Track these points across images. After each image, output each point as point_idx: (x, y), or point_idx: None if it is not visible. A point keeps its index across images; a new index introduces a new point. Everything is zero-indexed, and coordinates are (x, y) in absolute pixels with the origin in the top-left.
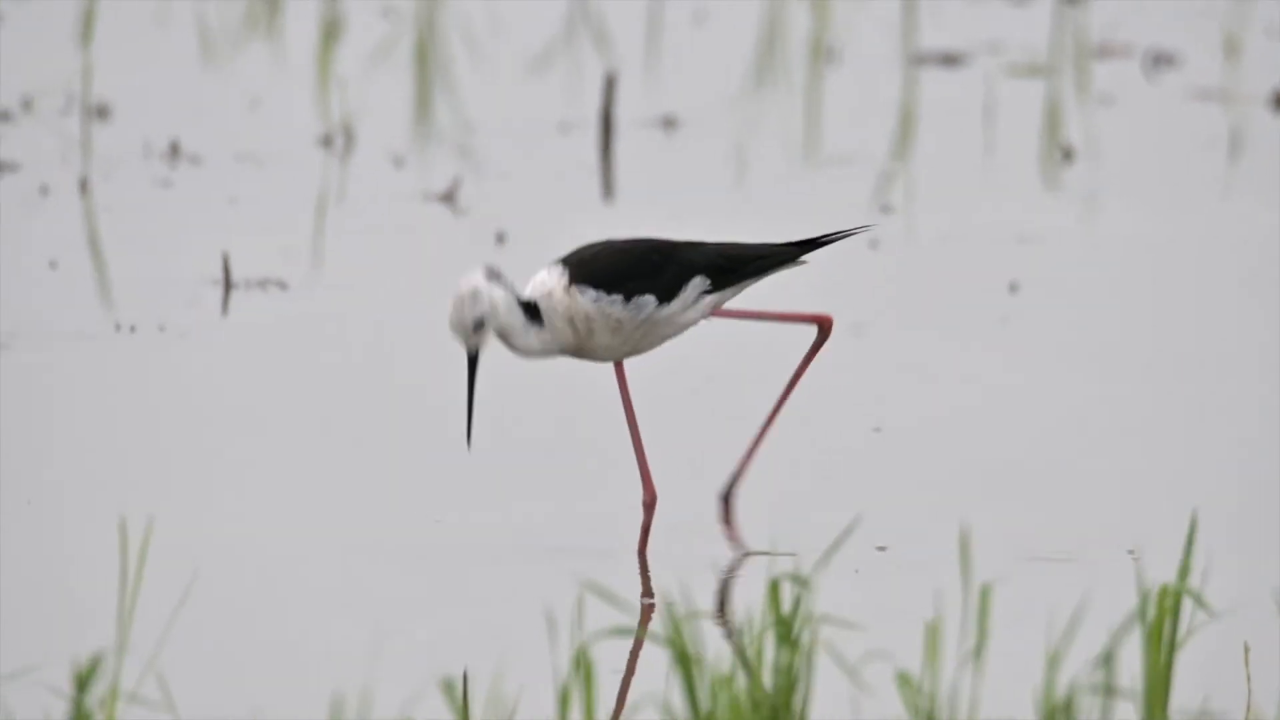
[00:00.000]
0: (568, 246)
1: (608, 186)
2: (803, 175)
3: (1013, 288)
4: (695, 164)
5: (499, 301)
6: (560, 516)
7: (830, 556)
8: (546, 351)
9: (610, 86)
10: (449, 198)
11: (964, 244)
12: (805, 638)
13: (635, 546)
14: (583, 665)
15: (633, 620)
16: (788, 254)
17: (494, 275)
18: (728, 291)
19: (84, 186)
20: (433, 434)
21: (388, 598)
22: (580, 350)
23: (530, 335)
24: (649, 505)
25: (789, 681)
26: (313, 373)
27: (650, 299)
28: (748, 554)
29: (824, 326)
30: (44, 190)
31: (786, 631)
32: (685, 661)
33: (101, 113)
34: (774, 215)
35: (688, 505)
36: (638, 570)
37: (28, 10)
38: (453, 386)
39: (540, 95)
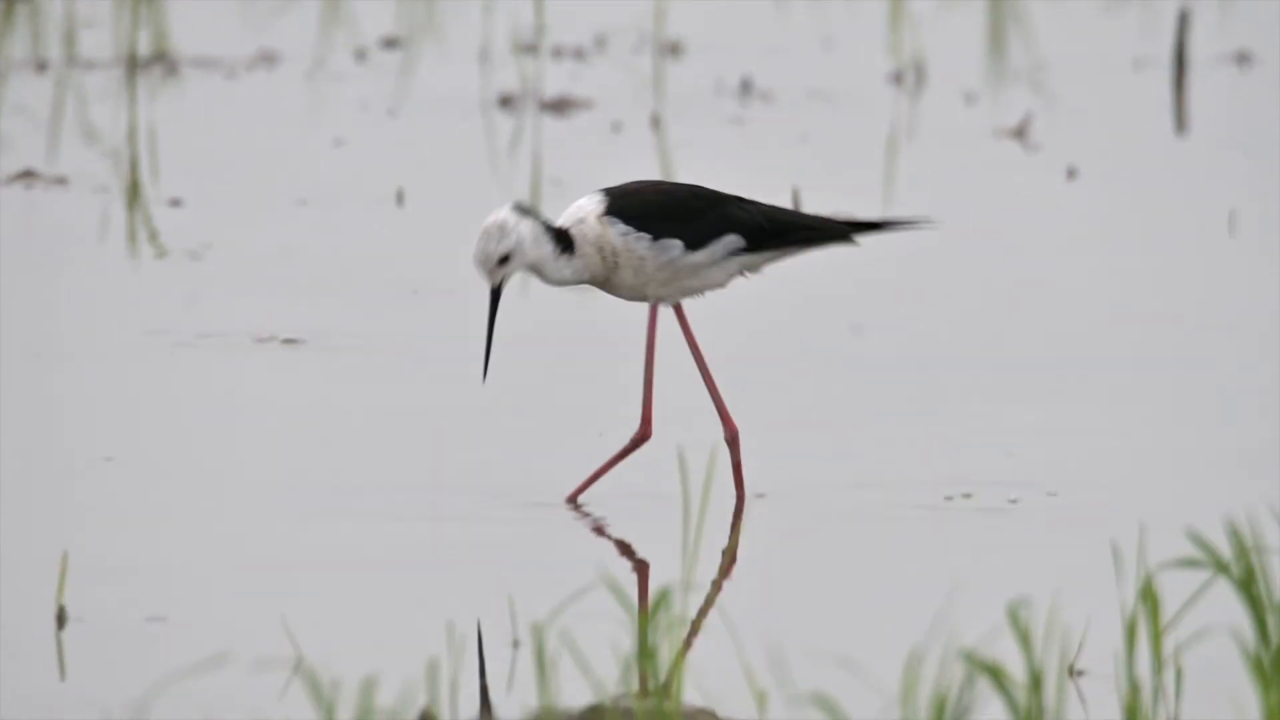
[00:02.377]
0: (1139, 183)
1: (1180, 123)
2: None
3: None
4: (1272, 100)
5: (526, 235)
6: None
7: None
8: (578, 278)
9: (1184, 22)
10: (1020, 134)
11: None
12: None
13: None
14: (1149, 596)
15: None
16: (838, 231)
17: (523, 210)
18: (762, 255)
19: (656, 123)
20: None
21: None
22: (607, 283)
23: (561, 264)
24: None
25: None
26: (899, 307)
27: (677, 243)
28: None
29: (731, 438)
30: (616, 127)
31: None
32: (1251, 589)
33: (674, 50)
34: None
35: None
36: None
37: None
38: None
39: (1114, 31)
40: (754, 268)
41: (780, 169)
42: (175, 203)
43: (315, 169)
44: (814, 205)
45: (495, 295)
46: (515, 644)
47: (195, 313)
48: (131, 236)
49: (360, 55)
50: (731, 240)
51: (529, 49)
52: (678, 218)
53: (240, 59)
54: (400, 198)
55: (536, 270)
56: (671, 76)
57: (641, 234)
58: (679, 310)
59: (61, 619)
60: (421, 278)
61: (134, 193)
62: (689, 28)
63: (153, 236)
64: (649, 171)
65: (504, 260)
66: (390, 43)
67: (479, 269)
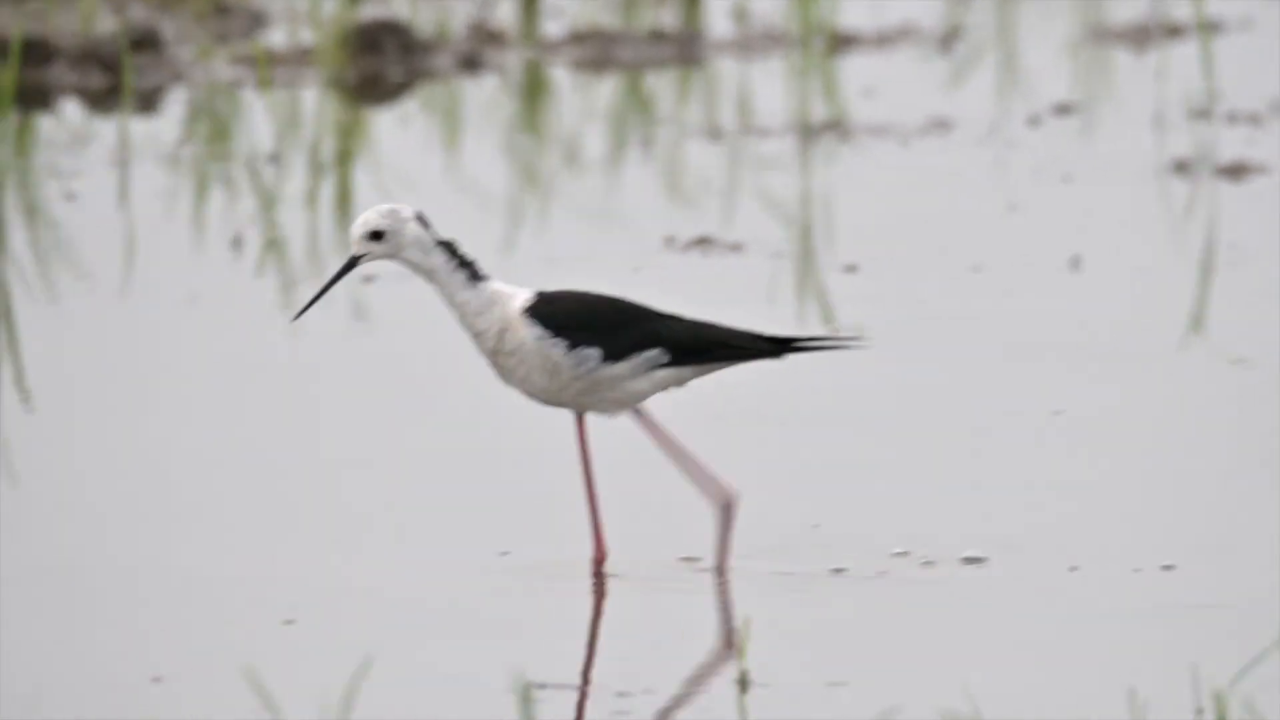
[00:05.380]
0: None
1: None
2: None
3: None
4: None
5: (411, 234)
6: None
7: None
8: (479, 319)
9: None
10: None
11: None
12: None
13: None
14: None
15: None
16: (764, 349)
17: (424, 222)
18: (686, 371)
19: None
20: None
21: None
22: (495, 357)
23: (460, 282)
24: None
25: None
26: None
27: (595, 352)
28: None
29: (727, 503)
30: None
31: None
32: None
33: None
34: None
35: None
36: None
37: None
38: None
39: None
40: (680, 382)
41: None
42: (850, 269)
43: (989, 235)
44: None
45: (350, 263)
46: (1199, 712)
47: (888, 381)
48: (802, 302)
49: (1034, 121)
50: (654, 355)
51: (1203, 114)
52: (598, 329)
53: (913, 126)
54: (1076, 264)
55: (431, 278)
56: None
57: (557, 339)
58: (580, 420)
59: (744, 684)
60: (1100, 345)
61: (807, 259)
62: None
63: (824, 304)
64: None
65: (375, 235)
66: (1064, 109)
67: (353, 232)
